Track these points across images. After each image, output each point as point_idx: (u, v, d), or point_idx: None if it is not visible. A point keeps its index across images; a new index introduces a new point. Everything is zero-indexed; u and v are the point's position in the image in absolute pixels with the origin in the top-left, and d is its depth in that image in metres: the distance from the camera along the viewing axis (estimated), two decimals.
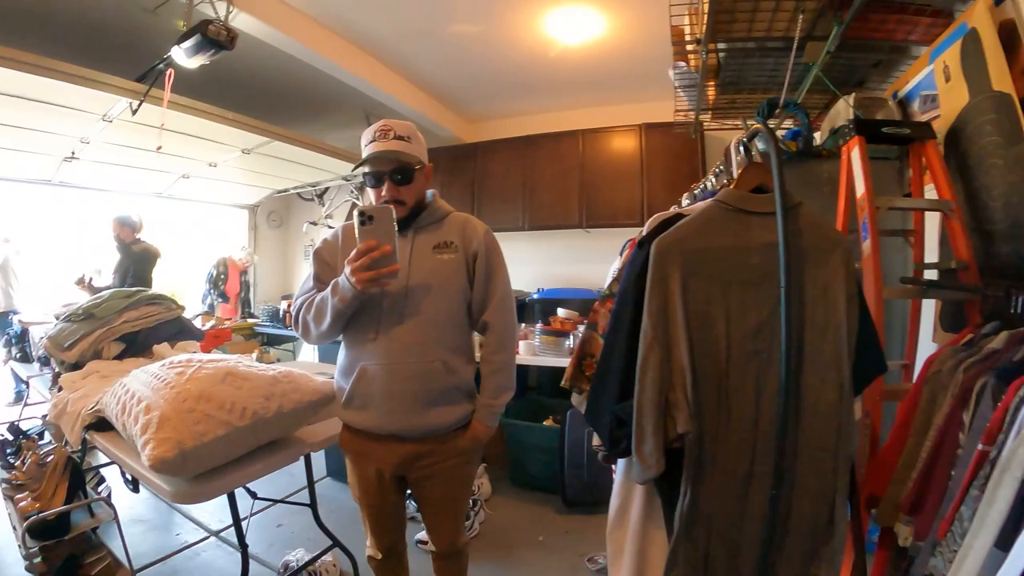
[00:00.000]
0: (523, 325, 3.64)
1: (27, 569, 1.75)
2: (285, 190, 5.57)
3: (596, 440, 1.46)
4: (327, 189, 5.40)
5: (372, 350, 1.35)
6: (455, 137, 4.81)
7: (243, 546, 1.73)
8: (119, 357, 2.09)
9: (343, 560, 2.16)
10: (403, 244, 1.37)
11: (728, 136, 3.05)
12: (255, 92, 3.78)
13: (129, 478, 2.53)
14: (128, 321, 2.12)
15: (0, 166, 4.07)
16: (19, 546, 1.75)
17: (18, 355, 3.27)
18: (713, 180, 2.38)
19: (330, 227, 5.65)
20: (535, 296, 3.97)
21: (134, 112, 2.99)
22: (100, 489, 2.82)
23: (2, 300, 4.79)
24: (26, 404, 3.62)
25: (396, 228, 1.26)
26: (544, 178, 4.15)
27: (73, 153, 3.79)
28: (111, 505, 1.90)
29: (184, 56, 2.70)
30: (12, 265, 4.91)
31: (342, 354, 1.46)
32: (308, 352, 5.44)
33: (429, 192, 1.48)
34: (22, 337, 3.23)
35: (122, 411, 1.50)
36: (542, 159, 4.18)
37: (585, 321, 1.58)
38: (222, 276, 5.21)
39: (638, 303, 1.05)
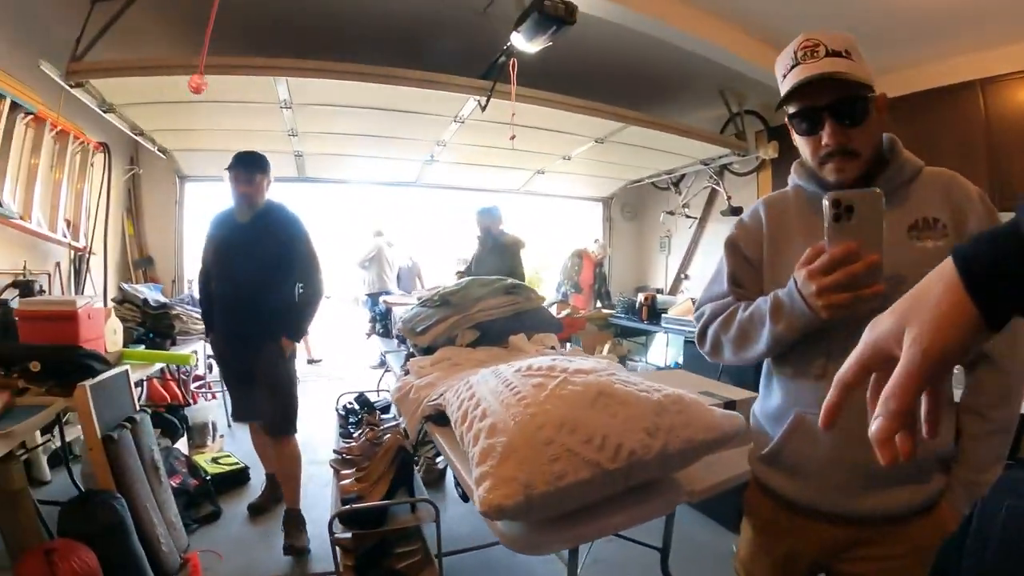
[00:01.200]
0: None
1: (332, 543, 1.76)
2: (639, 180, 5.49)
3: None
4: (683, 176, 5.16)
5: (818, 391, 0.91)
6: None
7: None
8: (472, 345, 2.02)
9: None
10: None
11: None
12: (599, 78, 3.65)
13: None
14: (484, 310, 2.04)
15: (374, 171, 4.98)
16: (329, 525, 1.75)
17: (381, 331, 3.80)
18: None
19: (688, 216, 5.32)
20: None
21: (483, 108, 3.10)
22: (439, 461, 2.95)
23: (376, 283, 5.93)
24: (386, 370, 4.22)
25: (885, 225, 0.78)
26: (937, 146, 3.11)
27: (432, 156, 4.29)
28: (435, 506, 1.80)
29: (524, 40, 2.61)
30: (385, 254, 6.05)
31: (771, 386, 1.03)
32: (660, 346, 5.08)
33: (885, 136, 0.98)
34: (386, 315, 3.74)
35: (462, 419, 1.28)
36: (933, 122, 3.18)
37: None
38: (576, 267, 5.39)
39: None
